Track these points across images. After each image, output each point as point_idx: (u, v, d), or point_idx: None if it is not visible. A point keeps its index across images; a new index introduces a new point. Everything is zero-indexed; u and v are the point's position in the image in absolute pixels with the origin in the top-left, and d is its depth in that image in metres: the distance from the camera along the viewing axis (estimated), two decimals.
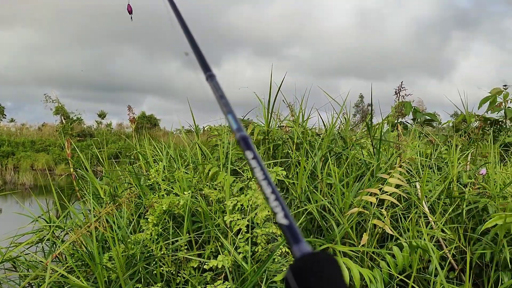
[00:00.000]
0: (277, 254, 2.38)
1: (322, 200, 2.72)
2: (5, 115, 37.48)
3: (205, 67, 0.63)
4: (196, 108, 4.06)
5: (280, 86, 3.51)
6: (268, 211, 2.45)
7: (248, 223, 2.46)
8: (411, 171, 3.12)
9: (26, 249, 2.81)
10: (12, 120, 34.90)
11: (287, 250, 2.42)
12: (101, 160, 3.97)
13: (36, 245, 2.99)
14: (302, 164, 2.79)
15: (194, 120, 3.96)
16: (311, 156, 3.20)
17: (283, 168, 2.81)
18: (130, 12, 1.34)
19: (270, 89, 3.48)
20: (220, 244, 2.57)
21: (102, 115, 33.54)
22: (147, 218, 2.63)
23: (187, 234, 2.60)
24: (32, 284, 2.60)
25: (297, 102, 3.92)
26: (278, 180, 2.82)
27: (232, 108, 0.54)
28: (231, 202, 2.54)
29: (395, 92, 3.46)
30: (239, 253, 2.41)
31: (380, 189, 2.47)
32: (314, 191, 2.90)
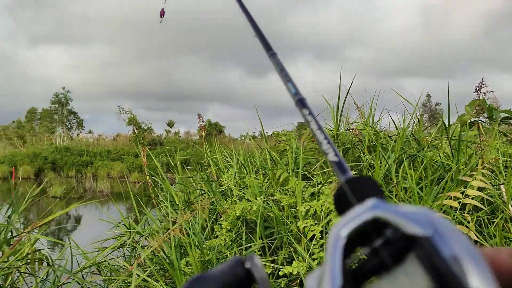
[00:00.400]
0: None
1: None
2: (84, 127, 40.22)
3: (267, 47, 0.71)
4: (261, 115, 4.10)
5: (349, 89, 3.44)
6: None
7: (322, 229, 2.42)
8: (494, 173, 2.91)
9: (110, 253, 2.96)
10: (90, 132, 37.42)
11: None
12: (173, 167, 4.11)
13: (118, 249, 3.14)
14: (376, 167, 2.70)
15: (262, 126, 3.99)
16: (384, 159, 3.09)
17: (356, 172, 2.74)
18: (162, 15, 1.37)
19: (339, 92, 3.43)
20: (293, 249, 2.56)
21: (170, 124, 34.95)
22: (220, 224, 2.68)
23: (260, 240, 2.62)
24: None
25: (366, 104, 3.83)
26: None
27: (292, 78, 0.62)
28: (304, 208, 2.52)
29: (475, 89, 3.25)
30: (314, 259, 2.37)
31: (462, 193, 2.33)
32: (389, 195, 2.79)
